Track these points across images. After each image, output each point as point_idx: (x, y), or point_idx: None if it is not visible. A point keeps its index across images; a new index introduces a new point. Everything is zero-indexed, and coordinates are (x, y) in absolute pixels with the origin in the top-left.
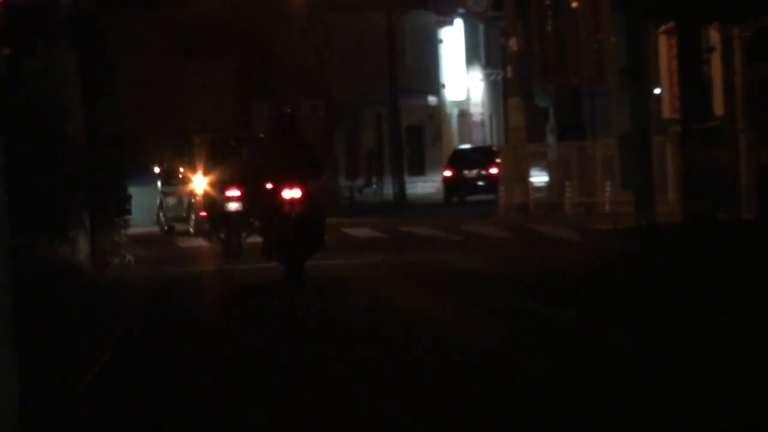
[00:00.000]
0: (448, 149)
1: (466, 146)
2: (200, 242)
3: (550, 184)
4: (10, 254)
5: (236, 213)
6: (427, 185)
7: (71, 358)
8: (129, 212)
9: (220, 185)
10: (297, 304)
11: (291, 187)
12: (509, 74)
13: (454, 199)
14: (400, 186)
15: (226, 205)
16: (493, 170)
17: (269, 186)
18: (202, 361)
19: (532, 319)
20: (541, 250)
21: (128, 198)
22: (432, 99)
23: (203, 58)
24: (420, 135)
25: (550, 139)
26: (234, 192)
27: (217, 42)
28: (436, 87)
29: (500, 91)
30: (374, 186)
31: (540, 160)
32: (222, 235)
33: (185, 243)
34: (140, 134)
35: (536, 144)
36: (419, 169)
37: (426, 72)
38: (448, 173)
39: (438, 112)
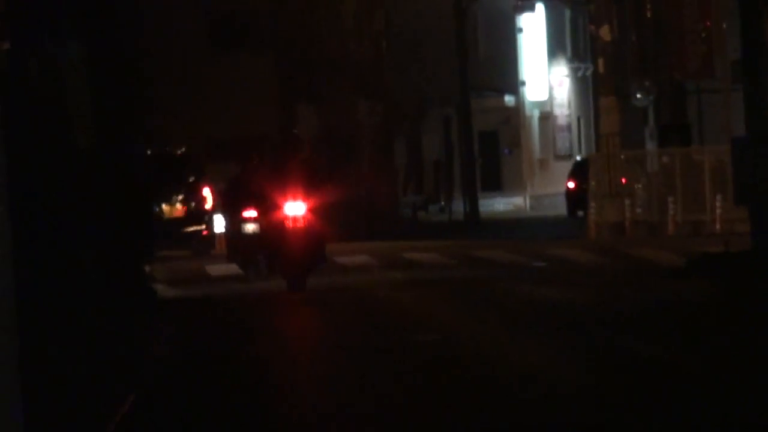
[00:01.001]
0: (528, 158)
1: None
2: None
3: (649, 199)
4: (13, 257)
5: (253, 235)
6: (504, 202)
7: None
8: (152, 254)
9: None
10: (353, 340)
11: (292, 201)
12: (600, 69)
13: (580, 213)
14: (472, 203)
15: (242, 227)
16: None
17: (269, 201)
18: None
19: (637, 362)
20: (638, 279)
21: (153, 235)
22: (509, 99)
23: (239, 53)
24: (495, 142)
25: (650, 145)
26: (251, 212)
27: (256, 33)
28: (514, 85)
29: (589, 88)
30: (441, 203)
31: (637, 171)
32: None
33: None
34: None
35: (633, 151)
36: (494, 183)
37: (502, 67)
38: (571, 185)
39: (516, 115)
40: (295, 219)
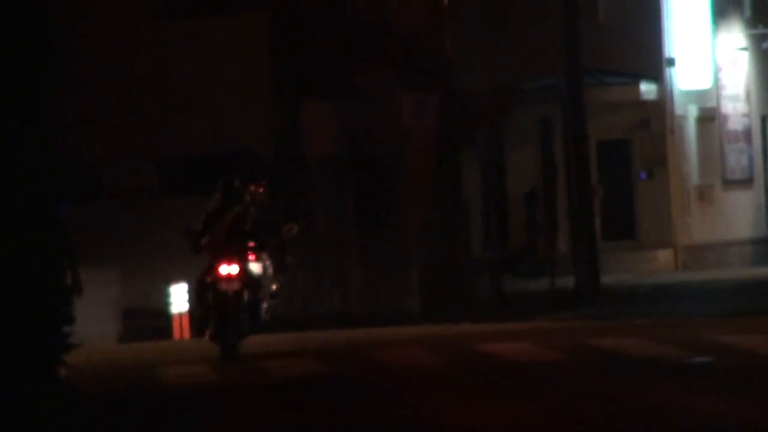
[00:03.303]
0: (679, 186)
1: None
2: None
3: None
4: None
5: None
6: (640, 257)
7: None
8: (70, 320)
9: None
10: None
11: (229, 262)
12: None
13: None
14: (590, 260)
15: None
16: None
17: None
18: None
19: None
20: None
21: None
22: (648, 88)
23: (209, 18)
24: (625, 159)
25: None
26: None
27: None
28: (656, 65)
29: None
30: (537, 259)
31: None
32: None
33: None
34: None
35: None
36: (624, 227)
37: (636, 37)
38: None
39: (659, 115)
40: (228, 279)
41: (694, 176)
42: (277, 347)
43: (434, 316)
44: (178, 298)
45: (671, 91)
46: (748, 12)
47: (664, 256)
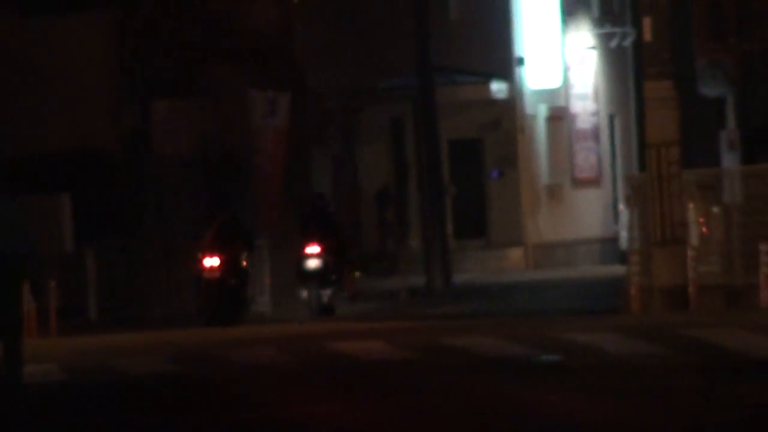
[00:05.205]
0: (530, 185)
1: None
2: None
3: (727, 247)
4: None
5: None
6: (491, 256)
7: None
8: None
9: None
10: None
11: (212, 256)
12: (647, 36)
13: None
14: (441, 259)
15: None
16: None
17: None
18: None
19: None
20: (715, 382)
21: None
22: (498, 88)
23: (59, 17)
24: (476, 159)
25: (729, 159)
26: (210, 261)
27: None
28: (506, 64)
29: (630, 69)
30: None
31: (707, 201)
32: None
33: None
34: None
35: (702, 170)
36: (475, 226)
37: (486, 35)
38: None
39: (510, 114)
40: (210, 270)
41: (544, 175)
42: (128, 346)
43: (285, 316)
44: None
45: (521, 91)
46: (596, 11)
47: (515, 254)
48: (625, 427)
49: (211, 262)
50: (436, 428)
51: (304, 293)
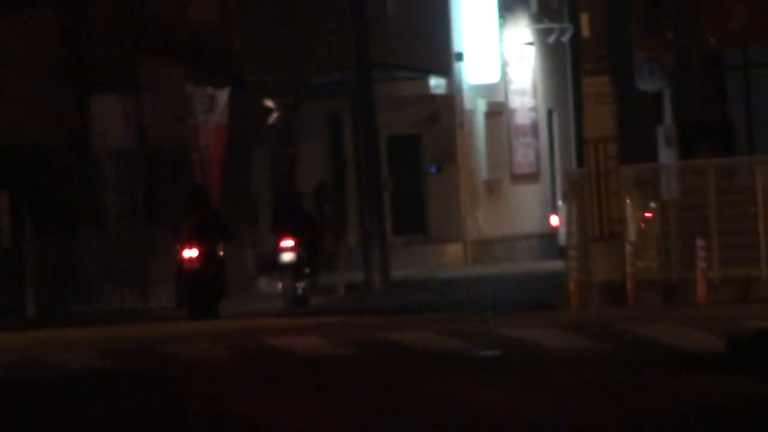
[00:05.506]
0: (468, 180)
1: None
2: None
3: (666, 243)
4: None
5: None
6: (429, 251)
7: None
8: None
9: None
10: None
11: (190, 248)
12: (585, 31)
13: None
14: (380, 253)
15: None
16: None
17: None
18: None
19: None
20: (650, 376)
21: None
22: (436, 83)
23: (2, 12)
24: (414, 154)
25: (666, 155)
26: (189, 252)
27: None
28: (444, 59)
29: (568, 64)
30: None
31: (645, 196)
32: None
33: None
34: None
35: (639, 165)
36: (414, 221)
37: (424, 31)
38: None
39: (448, 109)
40: (189, 261)
41: (483, 171)
42: (66, 341)
43: (225, 312)
44: None
45: (460, 86)
46: (534, 7)
47: (454, 250)
48: (564, 424)
49: (190, 253)
50: (375, 423)
51: (279, 285)
